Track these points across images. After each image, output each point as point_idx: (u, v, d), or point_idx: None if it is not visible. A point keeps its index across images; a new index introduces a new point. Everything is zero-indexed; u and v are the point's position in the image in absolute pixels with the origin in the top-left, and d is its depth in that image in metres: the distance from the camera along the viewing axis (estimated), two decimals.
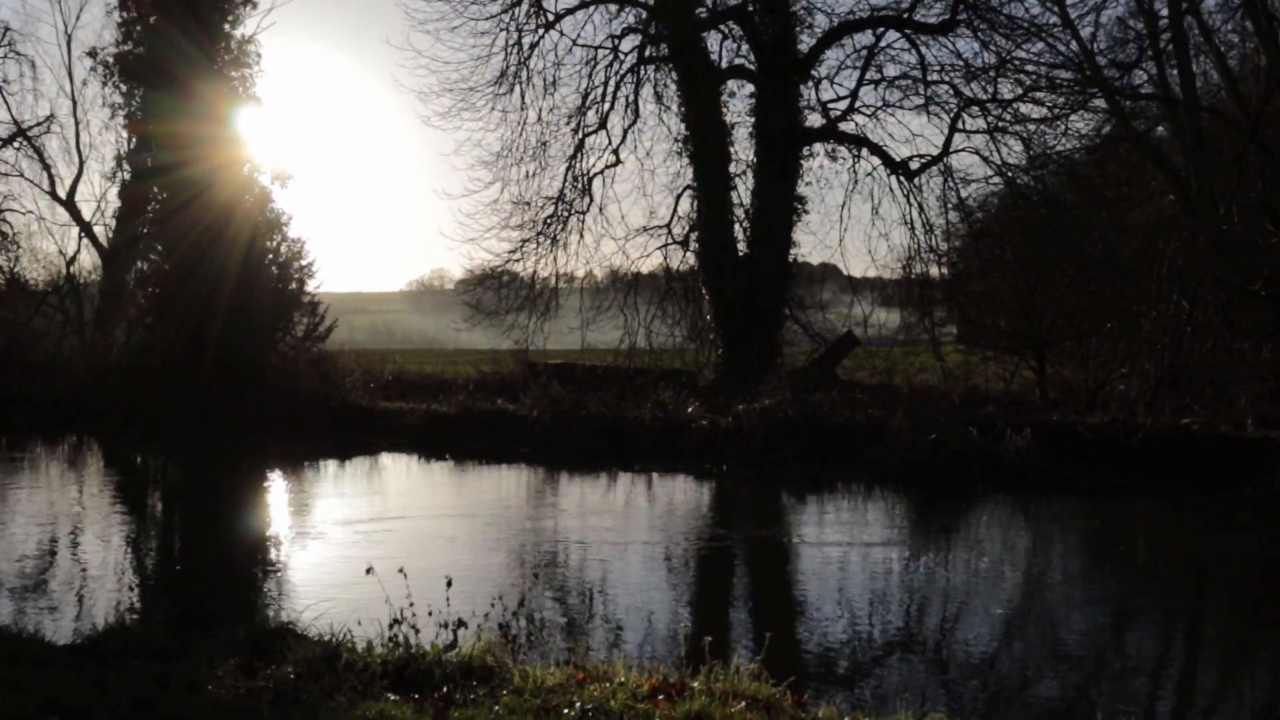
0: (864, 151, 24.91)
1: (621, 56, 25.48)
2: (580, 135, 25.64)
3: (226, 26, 22.66)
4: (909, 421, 16.18)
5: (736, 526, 13.41)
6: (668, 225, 25.52)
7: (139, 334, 22.86)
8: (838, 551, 11.61)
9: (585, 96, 25.52)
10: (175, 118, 21.58)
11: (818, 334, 25.36)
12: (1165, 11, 21.55)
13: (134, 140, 24.18)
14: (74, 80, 32.96)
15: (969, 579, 10.62)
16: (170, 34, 21.47)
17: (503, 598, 6.62)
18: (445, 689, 5.10)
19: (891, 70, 24.67)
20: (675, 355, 25.52)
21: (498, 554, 11.32)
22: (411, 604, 5.81)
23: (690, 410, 18.57)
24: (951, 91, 23.96)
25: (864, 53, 24.74)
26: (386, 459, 18.60)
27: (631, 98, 25.43)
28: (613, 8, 25.96)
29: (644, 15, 25.72)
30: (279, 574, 10.58)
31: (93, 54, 28.36)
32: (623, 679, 5.24)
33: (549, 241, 25.86)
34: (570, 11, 25.64)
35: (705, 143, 24.43)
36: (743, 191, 24.96)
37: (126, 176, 25.52)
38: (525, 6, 25.11)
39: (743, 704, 4.94)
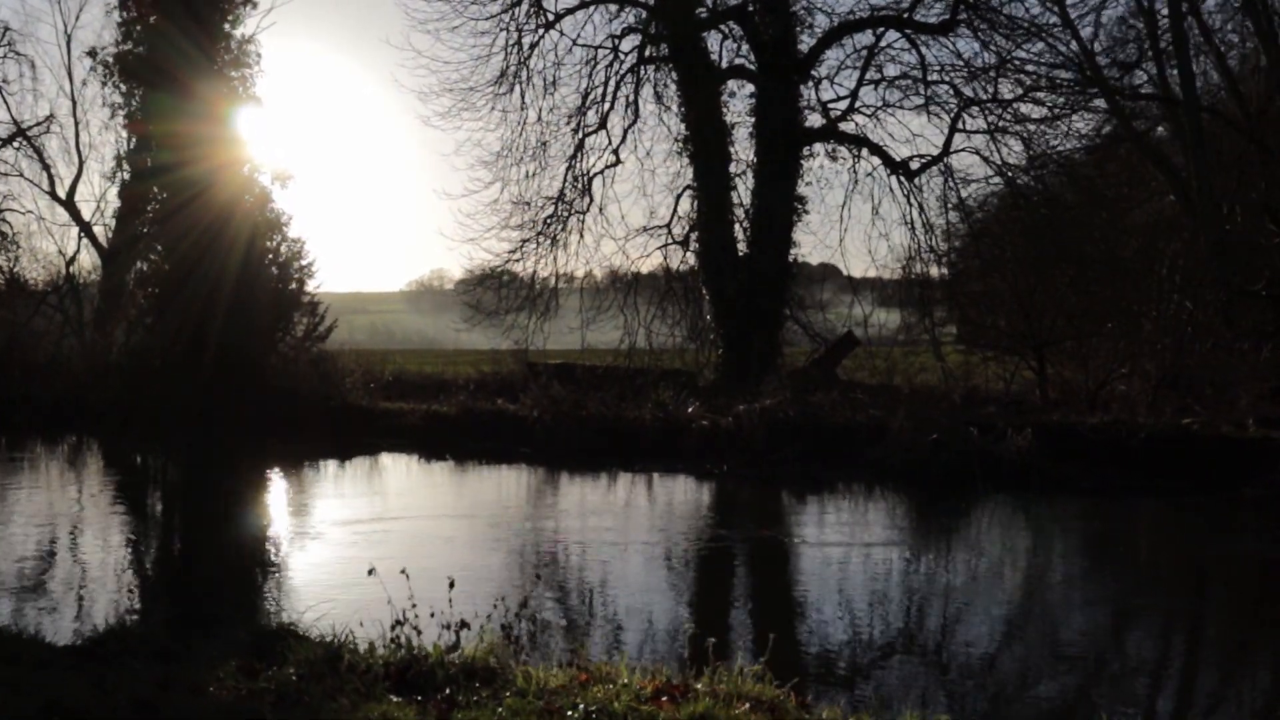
0: (864, 151, 24.93)
1: (621, 56, 25.53)
2: (580, 135, 25.66)
3: (226, 26, 22.65)
4: (909, 422, 16.17)
5: (737, 527, 13.38)
6: (668, 225, 25.56)
7: (139, 334, 22.84)
8: (838, 552, 11.60)
9: (585, 96, 25.57)
10: (175, 118, 21.56)
11: (818, 334, 25.35)
12: (1165, 11, 21.58)
13: (134, 140, 24.21)
14: (74, 80, 33.04)
15: (970, 579, 10.62)
16: (170, 34, 21.45)
17: (505, 598, 6.61)
18: (448, 691, 5.10)
19: (891, 70, 24.74)
20: (675, 355, 25.50)
21: (498, 554, 11.30)
22: (414, 605, 5.81)
23: (690, 410, 18.55)
24: (951, 91, 24.01)
25: (864, 53, 24.80)
26: (386, 459, 18.58)
27: (631, 98, 25.48)
28: (613, 8, 26.00)
29: (644, 15, 25.72)
30: (279, 575, 10.56)
31: (92, 54, 28.46)
32: (626, 680, 5.23)
33: (549, 241, 25.89)
34: (570, 11, 25.68)
35: (705, 143, 24.43)
36: (743, 191, 25.02)
37: (126, 176, 25.56)
38: (525, 6, 25.16)
39: (746, 706, 4.93)
